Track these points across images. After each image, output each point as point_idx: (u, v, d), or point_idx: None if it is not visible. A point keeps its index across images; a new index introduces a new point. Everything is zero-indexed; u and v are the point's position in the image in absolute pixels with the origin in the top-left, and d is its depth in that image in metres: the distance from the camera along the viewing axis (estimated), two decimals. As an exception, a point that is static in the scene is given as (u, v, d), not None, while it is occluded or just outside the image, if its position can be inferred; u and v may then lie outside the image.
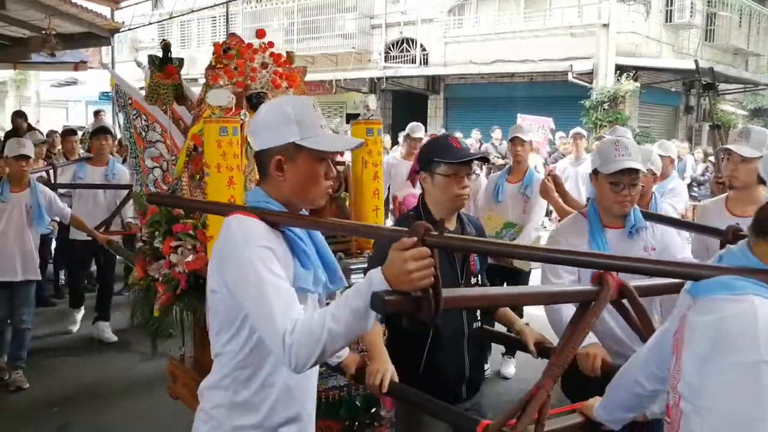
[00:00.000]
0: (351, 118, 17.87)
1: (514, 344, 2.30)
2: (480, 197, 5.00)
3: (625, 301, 1.71)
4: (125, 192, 5.01)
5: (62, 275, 6.51)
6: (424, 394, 1.87)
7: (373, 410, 2.74)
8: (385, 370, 1.94)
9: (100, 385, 4.42)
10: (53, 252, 6.68)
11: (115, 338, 5.25)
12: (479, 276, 2.33)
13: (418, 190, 3.28)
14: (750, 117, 17.32)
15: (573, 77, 14.01)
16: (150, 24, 13.10)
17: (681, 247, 2.51)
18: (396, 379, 1.94)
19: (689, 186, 9.79)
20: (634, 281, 1.67)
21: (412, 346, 2.16)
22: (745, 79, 16.48)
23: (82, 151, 6.46)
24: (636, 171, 2.32)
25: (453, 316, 2.20)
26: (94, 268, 5.80)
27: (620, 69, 13.75)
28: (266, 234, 1.54)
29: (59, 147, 7.06)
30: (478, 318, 2.30)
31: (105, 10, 8.41)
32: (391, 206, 5.93)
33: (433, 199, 2.27)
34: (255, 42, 3.04)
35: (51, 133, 8.06)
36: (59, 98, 22.99)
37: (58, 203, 4.56)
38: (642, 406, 1.59)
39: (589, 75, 14.05)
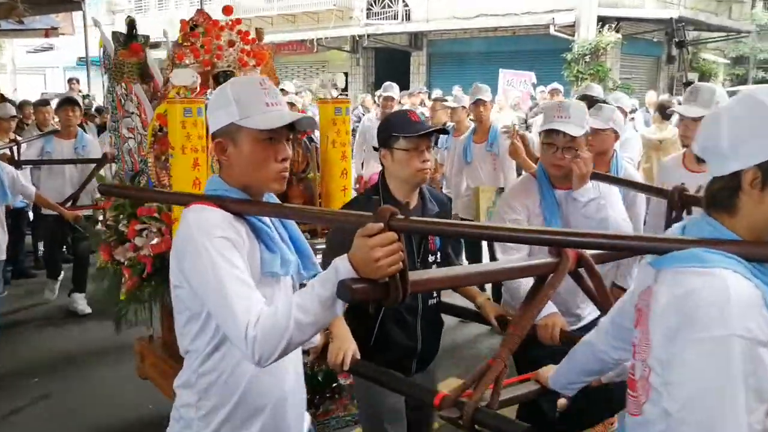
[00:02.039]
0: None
1: (474, 317, 2.31)
2: (452, 164, 5.23)
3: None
4: (94, 166, 4.94)
5: (41, 246, 6.53)
6: (385, 370, 1.88)
7: (334, 384, 2.84)
8: (347, 348, 1.95)
9: (81, 354, 4.49)
10: (31, 223, 6.67)
11: (89, 310, 5.19)
12: (437, 253, 2.30)
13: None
14: (732, 65, 17.30)
15: (555, 30, 13.89)
16: (122, -14, 12.74)
17: (617, 197, 2.64)
18: (358, 356, 1.95)
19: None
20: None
21: (363, 321, 2.15)
22: (728, 27, 16.38)
23: (55, 121, 6.33)
24: (572, 137, 2.33)
25: None
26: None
27: (602, 20, 13.63)
28: (224, 223, 1.47)
29: (32, 119, 6.96)
30: (434, 294, 2.30)
31: (73, -27, 8.20)
32: (356, 185, 5.99)
33: (394, 175, 2.22)
34: (222, 19, 2.97)
35: (24, 104, 7.91)
36: (36, 65, 22.52)
37: (21, 181, 4.42)
38: (602, 373, 1.60)
39: (571, 27, 13.93)
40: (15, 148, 5.08)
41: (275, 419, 1.60)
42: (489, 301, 2.29)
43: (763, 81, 15.25)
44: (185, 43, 2.88)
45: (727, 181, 1.17)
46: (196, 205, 1.52)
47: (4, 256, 4.38)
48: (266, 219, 1.58)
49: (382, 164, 2.27)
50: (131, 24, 3.13)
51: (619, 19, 13.91)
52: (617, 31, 13.58)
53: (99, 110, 7.97)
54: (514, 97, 9.29)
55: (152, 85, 3.12)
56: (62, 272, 5.61)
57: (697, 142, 1.26)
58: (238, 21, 2.99)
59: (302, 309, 1.30)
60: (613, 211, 2.47)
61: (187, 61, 2.79)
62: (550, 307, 2.10)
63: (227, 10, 3.03)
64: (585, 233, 1.47)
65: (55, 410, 3.76)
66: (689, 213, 2.21)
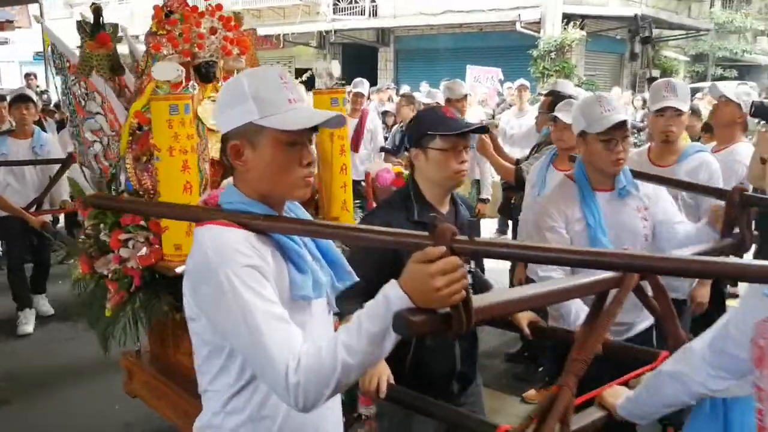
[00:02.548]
0: (301, 72, 17.45)
1: (504, 325, 2.15)
2: None
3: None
4: (57, 166, 4.61)
5: (1, 245, 6.26)
6: (427, 397, 1.72)
7: (355, 414, 2.53)
8: (380, 373, 1.76)
9: (45, 357, 4.36)
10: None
11: (51, 311, 4.98)
12: (470, 261, 2.12)
13: (390, 165, 3.07)
14: (692, 62, 17.75)
15: (521, 27, 14.03)
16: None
17: (675, 209, 2.41)
18: (392, 381, 1.78)
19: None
20: None
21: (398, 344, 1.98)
22: (687, 26, 16.80)
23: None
24: (625, 123, 2.22)
25: None
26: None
27: (567, 18, 13.82)
28: (247, 247, 1.26)
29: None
30: None
31: (29, -35, 7.94)
32: (363, 184, 6.00)
33: (427, 177, 2.01)
34: (201, 4, 2.75)
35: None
36: (-10, 60, 21.76)
37: None
38: (676, 404, 1.48)
39: (537, 24, 14.09)
40: None
41: None
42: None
43: (721, 78, 15.66)
44: (160, 32, 2.64)
45: None
46: (212, 224, 1.30)
47: None
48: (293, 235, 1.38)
49: (412, 165, 2.08)
50: (97, 12, 2.84)
51: (583, 17, 14.13)
52: (582, 29, 13.80)
53: (58, 106, 7.68)
54: (481, 93, 9.34)
55: (119, 81, 2.87)
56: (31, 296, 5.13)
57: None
58: (219, 6, 2.73)
59: (349, 350, 1.12)
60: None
61: (164, 52, 2.57)
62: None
63: None
64: (670, 258, 1.25)
65: (14, 418, 3.63)
66: (748, 214, 2.06)
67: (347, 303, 1.52)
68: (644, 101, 11.40)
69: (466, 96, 5.03)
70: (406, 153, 2.02)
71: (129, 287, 2.43)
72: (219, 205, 1.38)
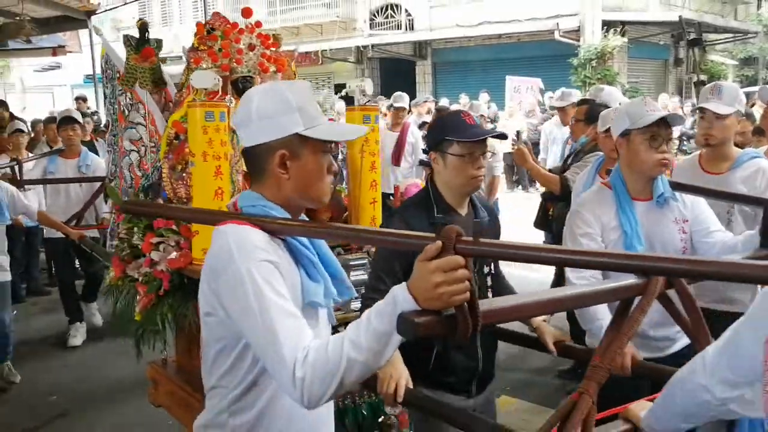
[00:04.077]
0: (339, 88, 17.62)
1: (531, 344, 2.10)
2: None
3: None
4: (99, 184, 4.77)
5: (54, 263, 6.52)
6: (447, 404, 1.73)
7: (381, 418, 2.51)
8: (399, 377, 1.74)
9: (98, 372, 4.48)
10: (44, 240, 6.66)
11: (101, 322, 5.16)
12: (491, 265, 2.14)
13: (420, 180, 3.07)
14: (740, 66, 17.21)
15: (560, 35, 13.87)
16: (126, 3, 12.82)
17: (714, 218, 2.32)
18: (410, 385, 1.76)
19: (679, 139, 9.76)
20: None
21: (422, 341, 1.88)
22: (734, 28, 16.33)
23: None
24: (670, 122, 2.17)
25: None
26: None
27: (607, 24, 13.61)
28: (267, 245, 1.32)
29: (44, 137, 6.99)
30: None
31: (79, -8, 8.26)
32: (391, 197, 6.10)
33: (446, 181, 2.06)
34: (240, 21, 2.80)
35: (35, 123, 7.97)
36: (44, 83, 22.69)
37: (23, 200, 4.31)
38: (706, 416, 1.38)
39: (576, 32, 13.92)
40: (17, 168, 4.93)
41: None
42: (546, 323, 2.07)
43: (771, 81, 15.17)
44: (202, 47, 2.73)
45: None
46: (233, 223, 1.36)
47: (9, 277, 4.29)
48: (307, 243, 1.42)
49: (431, 168, 2.13)
50: (143, 28, 2.97)
51: (623, 23, 13.90)
52: (622, 35, 13.56)
53: (108, 126, 7.99)
54: (528, 104, 9.31)
55: (163, 94, 2.98)
56: (82, 312, 5.35)
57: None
58: (258, 24, 2.83)
59: (355, 346, 1.15)
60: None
61: (204, 66, 2.65)
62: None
63: (246, 12, 2.86)
64: (681, 259, 1.29)
65: (73, 429, 3.72)
66: None
67: (368, 301, 1.54)
68: (693, 107, 11.12)
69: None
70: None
71: (158, 290, 2.47)
72: (239, 208, 1.44)
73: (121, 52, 3.13)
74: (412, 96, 11.93)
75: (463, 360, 2.05)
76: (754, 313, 1.22)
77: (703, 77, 14.79)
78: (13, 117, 7.81)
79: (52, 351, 4.93)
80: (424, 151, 2.09)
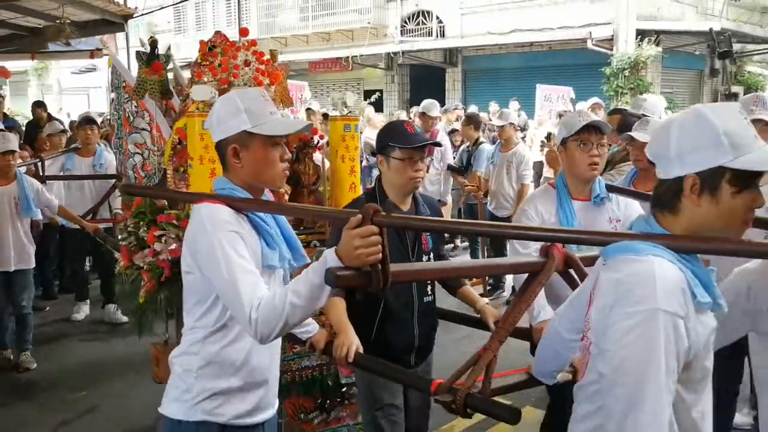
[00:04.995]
0: (369, 94, 17.73)
1: (474, 323, 2.43)
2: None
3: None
4: (113, 181, 5.19)
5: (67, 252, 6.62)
6: (386, 362, 2.04)
7: (344, 389, 2.93)
8: (350, 343, 2.08)
9: (126, 366, 4.55)
10: (60, 239, 6.75)
11: (125, 319, 5.41)
12: (430, 254, 2.47)
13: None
14: (779, 78, 16.78)
15: (592, 44, 13.69)
16: (162, 8, 13.08)
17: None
18: (361, 350, 2.08)
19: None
20: (581, 252, 1.79)
21: (364, 318, 2.33)
22: (774, 39, 15.93)
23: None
24: (601, 132, 2.49)
25: (403, 291, 2.41)
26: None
27: (641, 34, 13.41)
28: (233, 219, 1.68)
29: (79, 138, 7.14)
30: (429, 293, 2.47)
31: (118, -3, 8.43)
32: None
33: (389, 181, 2.40)
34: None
35: (72, 124, 8.18)
36: (80, 85, 23.23)
37: (46, 194, 4.74)
38: (562, 357, 1.69)
39: (609, 41, 13.72)
40: (39, 164, 5.40)
41: (267, 396, 1.83)
42: (488, 306, 2.42)
43: (811, 93, 14.75)
44: (204, 63, 3.06)
45: (671, 184, 1.36)
46: (208, 202, 1.72)
47: (33, 264, 4.73)
48: (267, 218, 1.79)
49: (379, 170, 2.46)
50: (153, 44, 3.34)
51: (658, 32, 13.66)
52: (657, 45, 13.34)
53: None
54: (558, 113, 9.25)
55: (166, 103, 3.31)
56: (89, 292, 5.84)
57: (649, 148, 1.44)
58: (254, 42, 3.20)
59: (296, 294, 1.50)
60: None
61: (205, 79, 2.98)
62: (547, 312, 2.24)
63: (243, 31, 3.27)
64: (544, 228, 1.79)
65: (102, 423, 3.78)
66: None
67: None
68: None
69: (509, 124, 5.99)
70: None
71: (160, 277, 2.81)
72: (214, 191, 1.81)
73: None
74: (442, 103, 11.93)
75: (400, 335, 2.41)
76: (591, 277, 1.51)
77: (738, 89, 14.47)
78: (51, 117, 8.02)
79: (80, 348, 5.05)
80: (373, 153, 2.55)
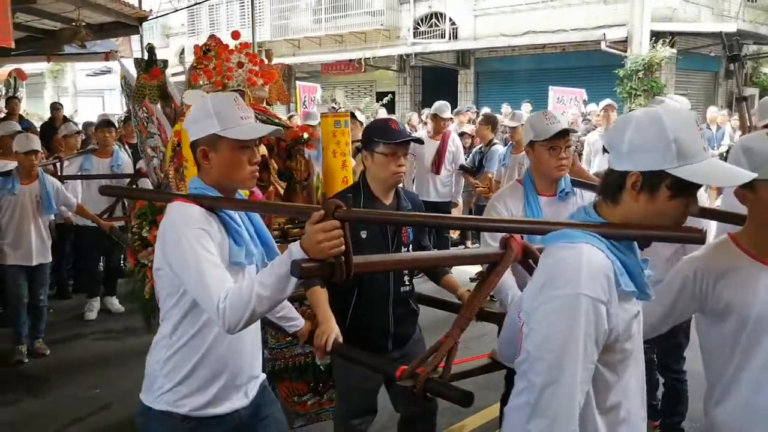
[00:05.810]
0: (381, 96, 17.77)
1: (454, 309, 2.50)
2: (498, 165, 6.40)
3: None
4: (127, 181, 5.33)
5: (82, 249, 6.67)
6: (361, 351, 2.17)
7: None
8: (330, 332, 2.18)
9: (137, 362, 4.57)
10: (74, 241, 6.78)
11: (122, 309, 5.77)
12: (410, 246, 2.57)
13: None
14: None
15: (606, 46, 13.61)
16: (176, 11, 13.17)
17: None
18: (340, 340, 2.19)
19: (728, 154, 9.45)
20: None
21: (339, 304, 2.43)
22: (791, 41, 15.73)
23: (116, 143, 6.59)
24: (568, 133, 2.59)
25: (380, 281, 2.51)
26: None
27: (656, 35, 13.31)
28: (201, 217, 1.76)
29: (95, 139, 7.22)
30: (407, 283, 2.58)
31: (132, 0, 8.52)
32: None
33: (373, 175, 2.50)
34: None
35: (87, 125, 8.26)
36: (95, 87, 23.47)
37: (65, 193, 4.92)
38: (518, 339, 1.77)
39: (623, 43, 13.63)
40: (58, 164, 5.59)
41: (233, 386, 1.88)
42: (469, 292, 2.42)
43: (829, 95, 14.56)
44: (199, 66, 3.13)
45: (617, 176, 1.43)
46: (179, 201, 1.81)
47: (50, 258, 4.91)
48: (236, 217, 1.87)
49: (363, 164, 2.54)
50: (151, 50, 3.43)
51: (673, 34, 13.56)
52: (672, 46, 13.23)
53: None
54: (570, 115, 9.19)
55: (174, 106, 3.36)
56: (101, 290, 5.98)
57: (607, 136, 1.51)
58: (246, 45, 3.28)
59: (262, 285, 1.56)
60: None
61: (201, 82, 3.02)
62: (517, 296, 2.28)
63: (235, 35, 3.33)
64: (489, 219, 2.03)
65: (114, 420, 3.81)
66: None
67: None
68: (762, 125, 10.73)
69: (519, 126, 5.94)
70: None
71: None
72: (188, 191, 1.89)
73: (170, 58, 3.43)
74: (454, 105, 11.92)
75: (375, 321, 2.51)
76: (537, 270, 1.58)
77: (753, 90, 14.30)
78: (65, 119, 8.10)
79: (93, 346, 5.08)
80: (357, 149, 2.64)
